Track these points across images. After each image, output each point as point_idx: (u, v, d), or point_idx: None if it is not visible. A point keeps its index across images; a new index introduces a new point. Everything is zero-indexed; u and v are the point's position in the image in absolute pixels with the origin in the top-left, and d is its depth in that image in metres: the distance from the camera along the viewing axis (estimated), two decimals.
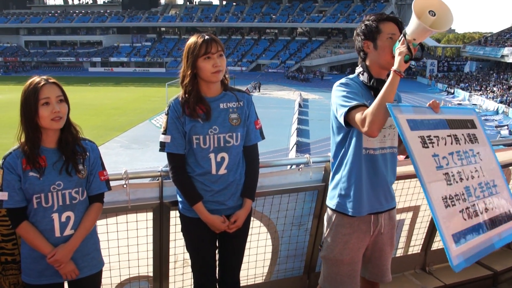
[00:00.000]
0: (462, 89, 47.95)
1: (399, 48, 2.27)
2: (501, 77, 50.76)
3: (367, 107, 2.33)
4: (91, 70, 78.58)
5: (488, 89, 45.64)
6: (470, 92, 45.45)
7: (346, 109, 2.38)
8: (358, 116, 2.34)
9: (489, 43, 60.68)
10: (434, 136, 2.36)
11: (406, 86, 46.99)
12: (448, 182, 2.29)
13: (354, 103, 2.39)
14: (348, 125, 2.42)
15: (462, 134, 2.52)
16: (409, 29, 2.25)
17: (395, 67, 2.26)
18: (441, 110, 2.49)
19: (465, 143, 2.50)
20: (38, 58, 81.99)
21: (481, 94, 43.43)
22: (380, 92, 2.30)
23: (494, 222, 2.43)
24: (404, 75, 2.27)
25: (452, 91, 49.26)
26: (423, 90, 51.32)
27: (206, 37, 2.49)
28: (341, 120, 2.42)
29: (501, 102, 37.54)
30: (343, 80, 2.54)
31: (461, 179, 2.36)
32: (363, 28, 2.51)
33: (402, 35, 2.30)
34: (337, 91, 2.49)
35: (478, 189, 2.44)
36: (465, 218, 2.29)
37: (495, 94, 41.85)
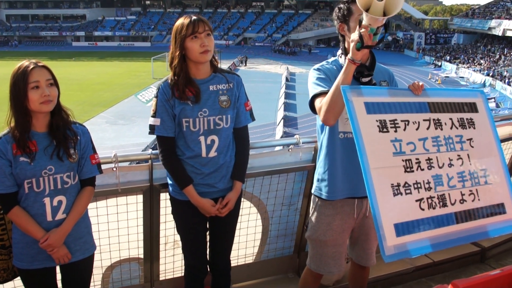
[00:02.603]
0: (448, 61, 48.04)
1: (353, 35, 2.18)
2: (488, 49, 50.95)
3: None
4: (75, 44, 77.10)
5: (475, 61, 45.80)
6: (457, 64, 45.55)
7: (311, 96, 2.43)
8: (317, 104, 2.38)
9: (477, 15, 60.63)
10: (402, 120, 2.24)
11: (393, 59, 47.12)
12: (406, 169, 2.18)
13: (319, 90, 2.40)
14: (316, 112, 2.43)
15: (450, 119, 2.37)
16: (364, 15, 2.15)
17: (349, 55, 2.20)
18: (429, 91, 2.37)
19: (451, 128, 2.36)
20: (20, 33, 79.99)
21: (468, 67, 43.57)
22: (335, 81, 2.26)
23: (472, 215, 2.29)
24: (359, 62, 2.20)
25: (439, 63, 49.36)
26: (410, 63, 51.43)
27: (193, 17, 2.46)
28: (309, 108, 2.46)
29: (488, 75, 37.72)
30: (318, 64, 2.54)
31: (430, 167, 2.24)
32: (337, 11, 2.50)
33: (358, 21, 2.20)
34: (310, 76, 2.52)
35: (456, 178, 2.29)
36: (423, 208, 2.17)
37: (482, 67, 42.03)
